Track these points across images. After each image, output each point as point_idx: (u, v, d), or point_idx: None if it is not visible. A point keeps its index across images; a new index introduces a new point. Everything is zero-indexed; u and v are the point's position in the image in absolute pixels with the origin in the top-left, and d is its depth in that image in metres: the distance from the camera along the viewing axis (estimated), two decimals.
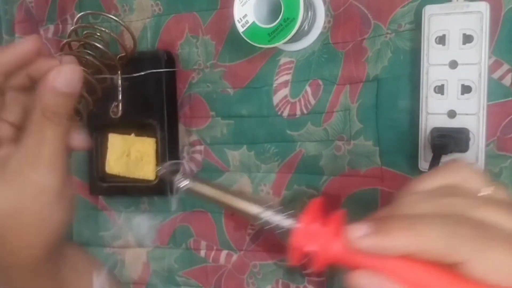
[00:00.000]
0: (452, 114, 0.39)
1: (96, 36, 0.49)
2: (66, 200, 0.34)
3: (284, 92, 0.47)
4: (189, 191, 0.33)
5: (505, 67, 0.39)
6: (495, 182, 0.28)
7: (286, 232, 0.29)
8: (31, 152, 0.32)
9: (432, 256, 0.24)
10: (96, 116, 0.52)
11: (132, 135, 0.52)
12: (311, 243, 0.28)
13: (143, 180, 0.52)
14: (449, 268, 0.23)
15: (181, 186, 0.33)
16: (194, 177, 0.34)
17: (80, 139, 0.37)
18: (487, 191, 0.27)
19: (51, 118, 0.32)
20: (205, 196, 0.33)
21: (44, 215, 0.32)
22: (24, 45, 0.34)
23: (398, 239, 0.24)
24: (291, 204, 0.47)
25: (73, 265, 0.39)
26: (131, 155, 0.52)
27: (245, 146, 0.49)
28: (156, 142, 0.51)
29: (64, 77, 0.33)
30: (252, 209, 0.31)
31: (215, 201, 0.33)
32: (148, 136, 0.51)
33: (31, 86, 0.35)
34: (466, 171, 0.28)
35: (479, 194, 0.27)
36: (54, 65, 0.34)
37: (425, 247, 0.24)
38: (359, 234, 0.26)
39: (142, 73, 0.49)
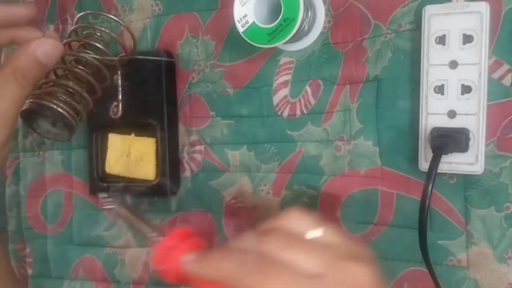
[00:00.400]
0: (452, 114, 0.39)
1: (96, 36, 0.49)
2: (4, 156, 0.38)
3: (284, 92, 0.47)
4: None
5: (505, 67, 0.39)
6: (324, 227, 0.32)
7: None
8: None
9: (230, 283, 0.31)
10: (96, 116, 0.52)
11: (132, 135, 0.52)
12: (163, 263, 0.36)
13: (143, 180, 0.52)
14: None
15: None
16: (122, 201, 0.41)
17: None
18: (314, 234, 0.32)
19: (18, 79, 0.36)
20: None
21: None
22: (20, 9, 0.36)
23: (206, 269, 0.33)
24: (291, 204, 0.47)
25: None
26: (131, 155, 0.52)
27: (245, 146, 0.49)
28: (156, 142, 0.51)
29: (45, 48, 0.36)
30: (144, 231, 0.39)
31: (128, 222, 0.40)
32: (148, 136, 0.51)
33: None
34: (293, 217, 0.33)
35: (305, 237, 0.32)
36: (37, 35, 0.37)
37: (222, 277, 0.31)
38: (189, 259, 0.34)
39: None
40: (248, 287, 0.30)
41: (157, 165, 0.51)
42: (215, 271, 0.32)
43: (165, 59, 0.50)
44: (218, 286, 0.32)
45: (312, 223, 0.33)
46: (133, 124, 0.52)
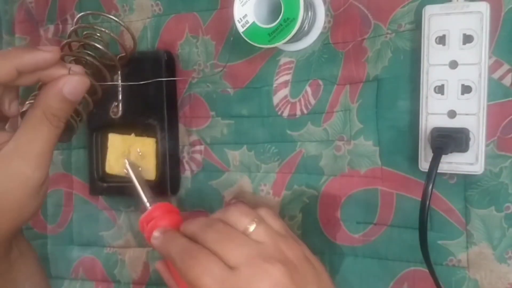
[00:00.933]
0: (452, 114, 0.39)
1: (96, 37, 0.49)
2: (43, 195, 0.38)
3: (284, 92, 0.47)
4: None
5: (505, 67, 0.39)
6: (257, 220, 0.36)
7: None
8: (25, 145, 0.35)
9: (173, 264, 0.36)
10: (96, 116, 0.52)
11: (132, 135, 0.52)
12: (143, 231, 0.43)
13: None
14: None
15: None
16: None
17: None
18: (248, 229, 0.36)
19: (50, 119, 0.36)
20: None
21: (22, 204, 0.36)
22: (45, 54, 0.36)
23: (161, 247, 0.38)
24: (291, 204, 0.47)
25: (21, 250, 0.43)
26: (131, 155, 0.52)
27: (245, 146, 0.49)
28: (156, 142, 0.51)
29: (73, 86, 0.37)
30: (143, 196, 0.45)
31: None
32: (148, 136, 0.51)
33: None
34: (235, 211, 0.37)
35: (240, 231, 0.36)
36: (63, 73, 0.37)
37: (168, 257, 0.37)
38: (154, 236, 0.39)
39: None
40: (180, 271, 0.35)
41: (157, 165, 0.51)
42: (165, 252, 0.38)
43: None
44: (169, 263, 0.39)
45: (249, 220, 0.36)
46: (133, 124, 0.52)
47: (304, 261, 0.36)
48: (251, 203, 0.49)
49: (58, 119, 0.37)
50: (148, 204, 0.44)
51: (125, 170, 0.46)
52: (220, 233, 0.36)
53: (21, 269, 0.42)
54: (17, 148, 0.35)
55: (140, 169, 0.47)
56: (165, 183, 0.50)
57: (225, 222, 0.37)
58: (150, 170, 0.51)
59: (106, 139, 0.53)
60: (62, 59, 0.45)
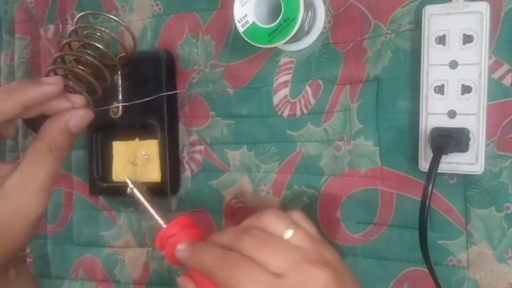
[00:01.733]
0: (452, 114, 0.39)
1: (96, 36, 0.49)
2: (40, 222, 0.38)
3: (284, 92, 0.47)
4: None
5: (505, 67, 0.39)
6: (294, 226, 0.36)
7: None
8: (29, 180, 0.36)
9: (209, 275, 0.35)
10: (96, 116, 0.52)
11: (136, 139, 0.52)
12: (163, 249, 0.41)
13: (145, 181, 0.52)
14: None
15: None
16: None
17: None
18: (286, 235, 0.35)
19: (55, 152, 0.36)
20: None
21: (22, 234, 0.36)
22: (49, 87, 0.37)
23: (191, 260, 0.37)
24: (291, 204, 0.47)
25: (18, 270, 0.43)
26: (137, 159, 0.52)
27: (245, 146, 0.49)
28: (159, 143, 0.50)
29: (79, 120, 0.38)
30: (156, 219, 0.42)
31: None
32: (149, 136, 0.51)
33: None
34: (270, 217, 0.36)
35: (278, 237, 0.35)
36: (67, 105, 0.38)
37: (202, 269, 0.36)
38: (180, 248, 0.38)
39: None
40: (221, 280, 0.34)
41: (160, 166, 0.51)
42: (197, 263, 0.36)
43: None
44: (202, 275, 0.36)
45: (286, 224, 0.36)
46: (133, 124, 0.52)
47: (341, 263, 0.36)
48: (251, 203, 0.49)
49: (62, 152, 0.37)
50: (163, 223, 0.42)
51: (128, 190, 0.44)
52: (259, 239, 0.35)
53: None
54: (21, 182, 0.35)
55: (145, 188, 0.45)
56: (165, 183, 0.50)
57: (261, 228, 0.36)
58: (154, 172, 0.51)
59: (106, 138, 0.53)
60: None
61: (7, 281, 0.41)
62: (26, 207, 0.35)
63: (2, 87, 0.37)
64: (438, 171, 0.37)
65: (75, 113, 0.38)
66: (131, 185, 0.44)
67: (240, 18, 0.43)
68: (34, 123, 0.49)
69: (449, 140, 0.38)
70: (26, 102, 0.36)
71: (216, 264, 0.35)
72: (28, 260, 0.61)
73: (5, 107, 0.35)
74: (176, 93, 0.51)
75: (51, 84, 0.37)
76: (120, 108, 0.51)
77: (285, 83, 0.47)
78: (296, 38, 0.44)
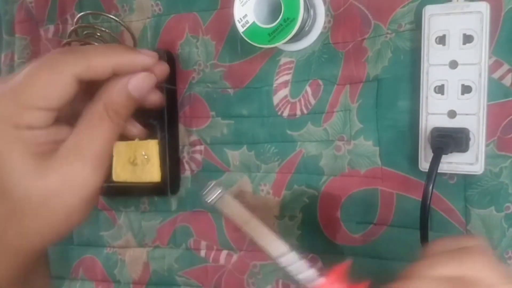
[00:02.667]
0: (452, 114, 0.39)
1: (97, 36, 0.49)
2: (93, 203, 0.34)
3: (284, 92, 0.47)
4: (214, 204, 0.31)
5: (505, 67, 0.39)
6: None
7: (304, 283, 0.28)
8: (84, 144, 0.31)
9: None
10: None
11: (136, 139, 0.52)
12: None
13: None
14: None
15: (209, 197, 0.32)
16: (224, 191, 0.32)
17: (157, 95, 0.37)
18: None
19: (111, 116, 0.32)
20: (230, 215, 0.31)
21: (71, 210, 0.32)
22: (144, 58, 0.34)
23: None
24: (291, 204, 0.47)
25: (41, 271, 0.39)
26: (137, 159, 0.52)
27: (245, 146, 0.49)
28: (159, 143, 0.50)
29: (138, 82, 0.33)
30: (275, 248, 0.29)
31: (239, 225, 0.30)
32: (148, 136, 0.51)
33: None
34: (481, 265, 0.26)
35: None
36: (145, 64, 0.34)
37: None
38: None
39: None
40: None
41: (160, 166, 0.51)
42: None
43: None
44: None
45: (500, 274, 0.26)
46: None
47: None
48: (251, 203, 0.49)
49: (119, 116, 0.33)
50: (316, 276, 0.29)
51: (212, 200, 0.32)
52: None
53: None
54: (74, 147, 0.31)
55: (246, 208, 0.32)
56: (165, 183, 0.50)
57: (465, 281, 0.26)
58: (154, 172, 0.51)
59: None
60: None
61: (27, 280, 0.36)
62: (79, 175, 0.31)
63: (99, 46, 0.33)
64: (438, 171, 0.37)
65: (136, 74, 0.34)
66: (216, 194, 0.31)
67: (240, 18, 0.43)
68: None
69: (449, 140, 0.38)
70: (117, 66, 0.32)
71: None
72: None
73: (97, 64, 0.31)
74: (176, 93, 0.51)
75: (147, 58, 0.33)
76: None
77: (285, 83, 0.47)
78: (296, 38, 0.44)
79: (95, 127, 0.32)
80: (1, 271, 0.32)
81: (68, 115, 0.33)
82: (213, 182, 0.32)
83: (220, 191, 0.31)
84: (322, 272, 0.28)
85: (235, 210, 0.30)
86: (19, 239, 0.31)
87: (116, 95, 0.32)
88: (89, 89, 0.33)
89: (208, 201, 0.31)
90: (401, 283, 0.27)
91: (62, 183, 0.30)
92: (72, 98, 0.31)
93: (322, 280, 0.28)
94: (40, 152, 0.29)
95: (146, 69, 0.34)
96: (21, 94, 0.29)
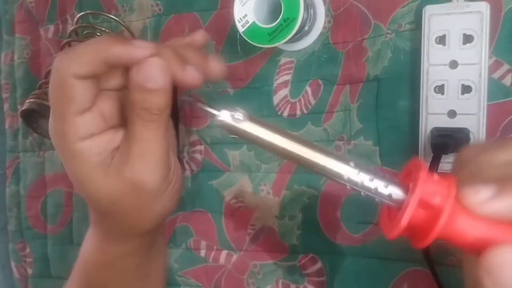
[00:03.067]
0: (452, 114, 0.39)
1: (96, 36, 0.49)
2: (166, 196, 0.33)
3: (284, 92, 0.47)
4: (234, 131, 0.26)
5: (505, 67, 0.39)
6: None
7: (387, 198, 0.25)
8: (124, 149, 0.31)
9: None
10: None
11: None
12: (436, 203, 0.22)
13: None
14: None
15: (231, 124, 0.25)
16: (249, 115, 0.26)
17: (216, 65, 0.34)
18: None
19: (140, 115, 0.30)
20: (264, 142, 0.24)
21: (139, 209, 0.32)
22: (141, 51, 0.30)
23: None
24: (291, 204, 0.47)
25: (159, 245, 0.40)
26: None
27: (245, 146, 0.49)
28: None
29: (144, 72, 0.29)
30: (341, 167, 0.25)
31: (280, 152, 0.24)
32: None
33: None
34: None
35: None
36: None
37: None
38: (485, 197, 0.22)
39: None
40: None
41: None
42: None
43: None
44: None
45: None
46: None
47: None
48: (251, 203, 0.49)
49: (149, 112, 0.30)
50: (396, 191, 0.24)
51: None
52: None
53: (156, 265, 0.40)
54: (120, 154, 0.31)
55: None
56: None
57: None
58: None
59: None
60: None
61: (149, 254, 0.38)
62: (130, 179, 0.31)
63: (90, 41, 0.30)
64: (438, 171, 0.37)
65: (139, 65, 0.30)
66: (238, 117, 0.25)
67: (240, 18, 0.43)
68: (33, 121, 0.49)
69: (449, 140, 0.38)
70: (108, 59, 0.29)
71: None
72: (28, 260, 0.61)
73: (83, 59, 0.29)
74: (176, 93, 0.51)
75: (143, 48, 0.29)
76: None
77: (285, 83, 0.47)
78: (296, 38, 0.44)
79: (129, 130, 0.31)
80: (128, 247, 0.35)
81: (120, 120, 0.33)
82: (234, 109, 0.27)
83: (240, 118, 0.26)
84: (400, 183, 0.24)
85: (268, 132, 0.24)
86: (125, 228, 0.34)
87: (132, 93, 0.30)
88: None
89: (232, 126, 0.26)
90: (459, 171, 0.24)
91: (119, 189, 0.31)
92: (88, 96, 0.30)
93: (404, 194, 0.24)
94: (102, 161, 0.30)
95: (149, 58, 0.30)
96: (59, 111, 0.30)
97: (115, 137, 0.32)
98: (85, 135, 0.30)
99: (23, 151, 0.61)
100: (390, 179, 0.24)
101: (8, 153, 0.62)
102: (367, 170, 0.24)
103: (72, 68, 0.29)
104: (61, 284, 0.59)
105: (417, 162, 0.24)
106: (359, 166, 0.24)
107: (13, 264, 0.62)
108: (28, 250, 0.61)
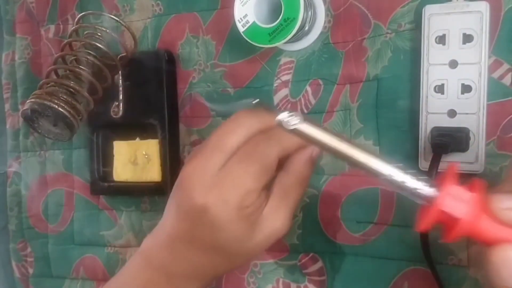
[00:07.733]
0: (452, 113, 0.39)
1: (97, 36, 0.50)
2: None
3: (285, 91, 0.47)
4: (296, 132, 0.29)
5: (505, 66, 0.39)
6: None
7: (420, 197, 0.27)
8: (281, 208, 0.36)
9: None
10: (97, 116, 0.52)
11: (137, 139, 0.52)
12: (456, 209, 0.26)
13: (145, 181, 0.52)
14: None
15: (289, 124, 0.29)
16: (304, 117, 0.29)
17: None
18: None
19: (302, 183, 0.37)
20: (318, 142, 0.29)
21: (259, 251, 0.37)
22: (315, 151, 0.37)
23: None
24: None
25: None
26: (137, 159, 0.52)
27: None
28: (159, 142, 0.51)
29: (316, 151, 0.37)
30: (380, 166, 0.28)
31: (332, 150, 0.29)
32: (149, 135, 0.51)
33: None
34: None
35: None
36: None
37: None
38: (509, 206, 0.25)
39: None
40: None
41: (161, 165, 0.51)
42: None
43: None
44: None
45: None
46: (134, 124, 0.52)
47: None
48: None
49: (308, 180, 0.37)
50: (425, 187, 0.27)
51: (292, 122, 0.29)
52: None
53: None
54: (275, 211, 0.36)
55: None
56: (166, 183, 0.50)
57: None
58: (155, 172, 0.51)
59: (107, 138, 0.54)
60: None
61: None
62: (277, 232, 0.36)
63: (259, 137, 0.36)
64: (438, 170, 0.37)
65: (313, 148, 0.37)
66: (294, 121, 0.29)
67: (240, 18, 0.43)
68: (34, 121, 0.49)
69: (449, 139, 0.38)
70: (282, 154, 0.35)
71: None
72: (29, 259, 0.62)
73: (290, 145, 0.35)
74: (176, 93, 0.51)
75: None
76: (121, 108, 0.51)
77: (285, 83, 0.47)
78: (296, 38, 0.44)
79: (289, 196, 0.36)
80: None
81: None
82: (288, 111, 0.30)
83: (297, 121, 0.29)
84: (432, 182, 0.27)
85: (322, 133, 0.29)
86: (215, 273, 0.38)
87: (304, 166, 0.36)
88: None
89: (291, 126, 0.29)
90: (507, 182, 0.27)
91: (264, 239, 0.36)
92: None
93: (437, 192, 0.26)
94: (247, 215, 0.35)
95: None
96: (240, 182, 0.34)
97: (260, 197, 0.36)
98: (251, 204, 0.35)
99: (24, 151, 0.61)
100: (426, 179, 0.27)
101: (9, 153, 0.62)
102: (411, 174, 0.27)
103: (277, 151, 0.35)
104: (62, 284, 0.59)
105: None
106: (402, 168, 0.27)
107: (14, 263, 0.63)
108: (29, 249, 0.61)
